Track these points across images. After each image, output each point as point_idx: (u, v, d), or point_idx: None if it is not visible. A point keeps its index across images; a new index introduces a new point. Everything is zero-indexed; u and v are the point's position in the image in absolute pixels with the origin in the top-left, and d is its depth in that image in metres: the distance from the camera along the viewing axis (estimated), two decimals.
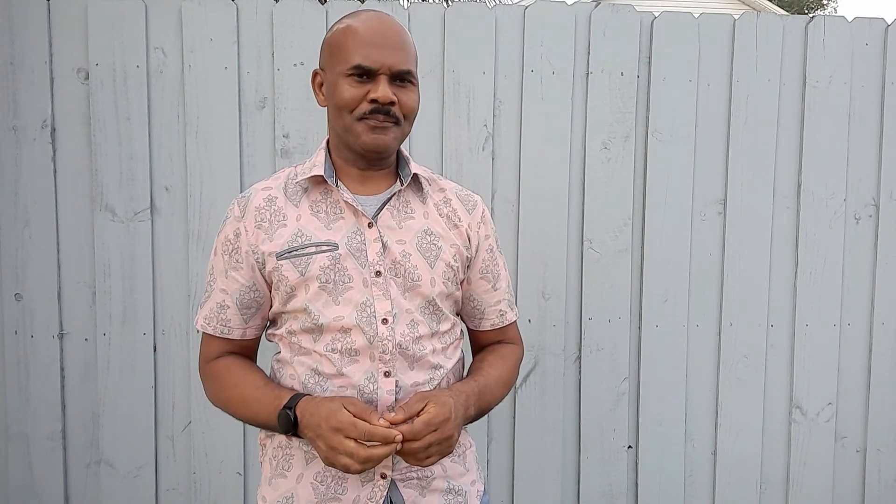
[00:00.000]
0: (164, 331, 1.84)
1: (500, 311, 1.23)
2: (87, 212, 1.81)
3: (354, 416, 0.96)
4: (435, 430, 0.97)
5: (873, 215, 2.05)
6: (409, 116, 1.09)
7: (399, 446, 0.96)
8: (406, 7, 1.88)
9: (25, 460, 1.82)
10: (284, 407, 1.02)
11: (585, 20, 1.91)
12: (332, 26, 1.10)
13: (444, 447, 1.00)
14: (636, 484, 2.03)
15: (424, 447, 0.97)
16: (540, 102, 1.91)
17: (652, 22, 1.94)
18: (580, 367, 1.97)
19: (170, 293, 1.84)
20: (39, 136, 1.78)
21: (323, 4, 1.84)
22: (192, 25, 1.80)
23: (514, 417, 1.95)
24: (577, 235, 1.95)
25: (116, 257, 1.81)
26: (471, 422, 1.11)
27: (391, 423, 0.97)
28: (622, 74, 1.93)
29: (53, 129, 1.79)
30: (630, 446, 2.02)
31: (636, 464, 2.02)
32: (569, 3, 1.92)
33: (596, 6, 1.93)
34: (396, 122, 1.07)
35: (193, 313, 1.83)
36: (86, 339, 1.83)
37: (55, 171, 1.79)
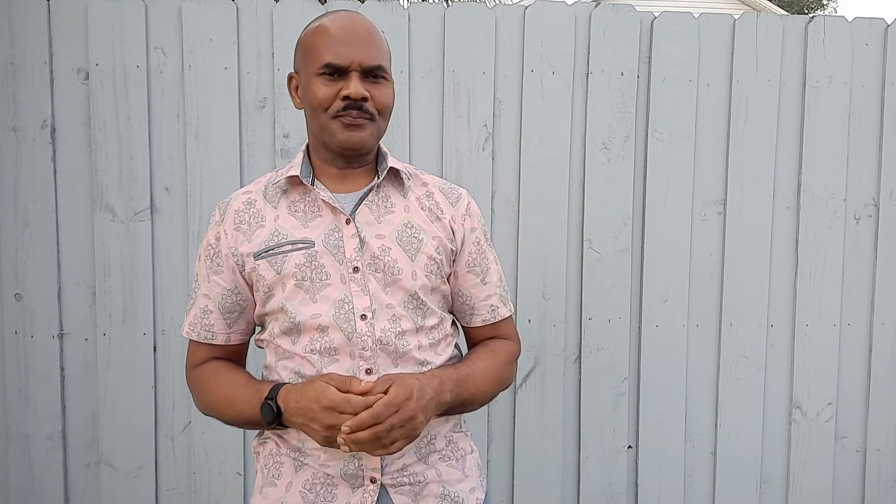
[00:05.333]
0: (164, 331, 1.84)
1: (492, 305, 1.19)
2: (87, 212, 1.81)
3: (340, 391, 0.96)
4: (397, 411, 0.94)
5: (873, 215, 2.05)
6: (384, 112, 1.09)
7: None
8: (406, 7, 1.88)
9: (25, 460, 1.82)
10: (266, 398, 1.01)
11: (585, 20, 1.91)
12: (304, 28, 1.11)
13: (409, 429, 0.96)
14: (636, 484, 2.03)
15: (387, 430, 0.93)
16: (540, 102, 1.90)
17: (652, 22, 1.94)
18: (580, 367, 1.97)
19: (170, 293, 1.84)
20: (39, 136, 1.78)
21: (323, 4, 1.84)
22: (192, 25, 1.80)
23: (514, 417, 1.95)
24: (577, 235, 1.95)
25: (116, 257, 1.81)
26: (450, 411, 1.08)
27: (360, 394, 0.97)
28: (622, 74, 1.93)
29: (53, 129, 1.79)
30: (630, 446, 2.02)
31: (636, 464, 2.02)
32: (569, 3, 1.92)
33: (596, 6, 1.93)
34: (371, 119, 1.06)
35: None
36: (86, 339, 1.83)
37: (55, 171, 1.79)
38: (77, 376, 1.83)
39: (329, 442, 0.96)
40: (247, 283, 1.11)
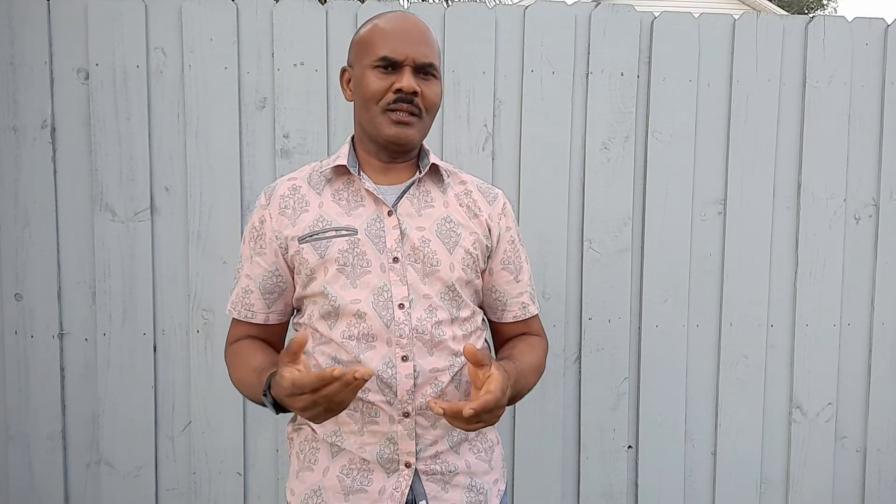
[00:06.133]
0: (164, 331, 1.84)
1: (523, 303, 1.24)
2: (87, 212, 1.81)
3: (293, 372, 0.92)
4: (501, 396, 0.95)
5: (873, 215, 2.05)
6: (431, 109, 1.13)
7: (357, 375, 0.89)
8: (406, 7, 1.88)
9: (25, 460, 1.82)
10: (263, 392, 1.01)
11: (585, 20, 1.91)
12: (360, 27, 1.16)
13: (492, 418, 0.97)
14: (636, 484, 2.03)
15: (488, 411, 0.95)
16: (540, 102, 1.90)
17: (652, 22, 1.94)
18: (580, 367, 1.97)
19: (170, 293, 1.84)
20: (39, 136, 1.78)
21: (323, 4, 1.84)
22: (192, 25, 1.80)
23: (514, 417, 1.95)
24: (577, 235, 1.95)
25: (116, 257, 1.81)
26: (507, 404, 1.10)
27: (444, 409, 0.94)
28: (622, 74, 1.93)
29: (53, 129, 1.79)
30: (630, 446, 2.02)
31: (636, 464, 2.02)
32: (569, 3, 1.92)
33: (596, 6, 1.93)
34: (419, 115, 1.11)
35: (193, 313, 1.84)
36: (86, 339, 1.83)
37: (55, 171, 1.79)
38: (77, 376, 1.83)
39: (321, 420, 0.94)
40: (288, 266, 1.15)
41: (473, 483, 1.14)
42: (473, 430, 0.98)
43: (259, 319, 1.19)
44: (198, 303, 1.83)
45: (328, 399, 0.90)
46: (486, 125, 1.89)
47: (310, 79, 1.83)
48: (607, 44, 1.92)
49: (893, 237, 2.05)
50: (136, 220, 1.81)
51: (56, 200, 1.80)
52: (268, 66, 1.83)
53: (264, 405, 1.05)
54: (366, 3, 1.85)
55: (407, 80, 1.08)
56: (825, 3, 23.21)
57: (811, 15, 2.04)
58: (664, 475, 2.03)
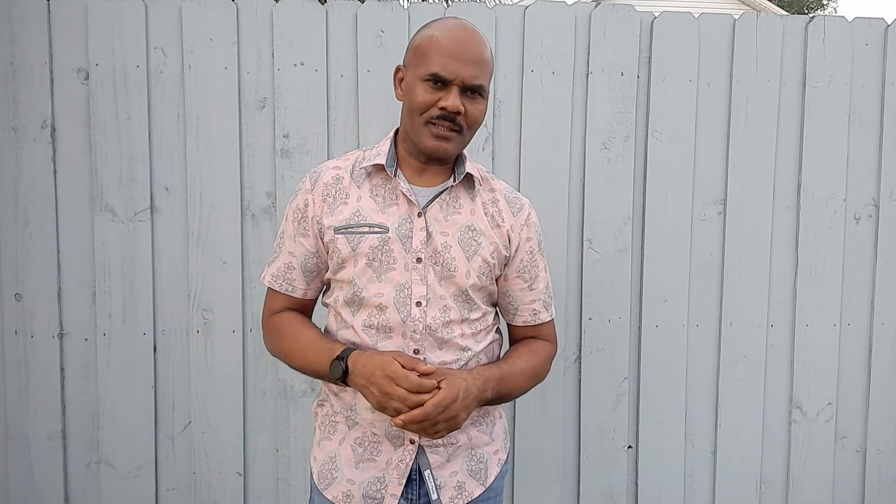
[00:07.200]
0: (164, 331, 1.84)
1: (534, 310, 1.32)
2: (87, 212, 1.81)
3: (404, 368, 1.09)
4: (443, 411, 1.08)
5: (873, 215, 2.05)
6: (473, 126, 1.20)
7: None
8: (406, 7, 1.88)
9: (25, 460, 1.82)
10: (337, 357, 1.14)
11: (585, 20, 1.91)
12: (420, 29, 1.21)
13: (452, 424, 1.11)
14: (636, 484, 2.03)
15: (432, 424, 1.09)
16: (540, 102, 1.90)
17: (652, 22, 1.94)
18: (580, 367, 1.97)
19: (170, 293, 1.84)
20: (39, 136, 1.78)
21: (323, 4, 1.84)
22: (192, 25, 1.80)
23: (514, 417, 1.95)
24: (577, 235, 1.95)
25: (116, 257, 1.81)
26: (488, 404, 1.21)
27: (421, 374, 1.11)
28: (622, 74, 1.93)
29: (53, 129, 1.79)
30: (630, 446, 2.02)
31: (636, 464, 2.02)
32: (569, 3, 1.92)
33: (596, 6, 1.93)
34: (459, 131, 1.17)
35: (193, 313, 1.84)
36: (86, 339, 1.83)
37: (55, 171, 1.79)
38: (77, 376, 1.83)
39: (381, 407, 1.10)
40: (325, 249, 1.24)
41: (474, 453, 1.25)
42: (438, 437, 1.12)
43: (298, 294, 1.28)
44: (198, 303, 1.83)
45: (413, 403, 1.08)
46: (485, 125, 1.89)
47: (310, 79, 1.83)
48: (607, 44, 1.92)
49: (893, 237, 2.05)
50: (136, 220, 1.81)
51: (56, 200, 1.80)
52: (268, 66, 1.83)
53: (316, 374, 1.19)
54: (366, 3, 1.85)
55: (453, 101, 1.13)
56: (825, 3, 23.21)
57: (811, 15, 2.04)
58: (664, 475, 2.03)
